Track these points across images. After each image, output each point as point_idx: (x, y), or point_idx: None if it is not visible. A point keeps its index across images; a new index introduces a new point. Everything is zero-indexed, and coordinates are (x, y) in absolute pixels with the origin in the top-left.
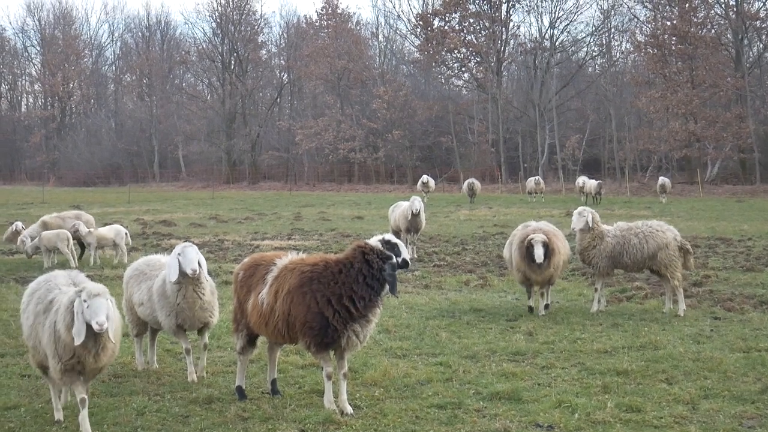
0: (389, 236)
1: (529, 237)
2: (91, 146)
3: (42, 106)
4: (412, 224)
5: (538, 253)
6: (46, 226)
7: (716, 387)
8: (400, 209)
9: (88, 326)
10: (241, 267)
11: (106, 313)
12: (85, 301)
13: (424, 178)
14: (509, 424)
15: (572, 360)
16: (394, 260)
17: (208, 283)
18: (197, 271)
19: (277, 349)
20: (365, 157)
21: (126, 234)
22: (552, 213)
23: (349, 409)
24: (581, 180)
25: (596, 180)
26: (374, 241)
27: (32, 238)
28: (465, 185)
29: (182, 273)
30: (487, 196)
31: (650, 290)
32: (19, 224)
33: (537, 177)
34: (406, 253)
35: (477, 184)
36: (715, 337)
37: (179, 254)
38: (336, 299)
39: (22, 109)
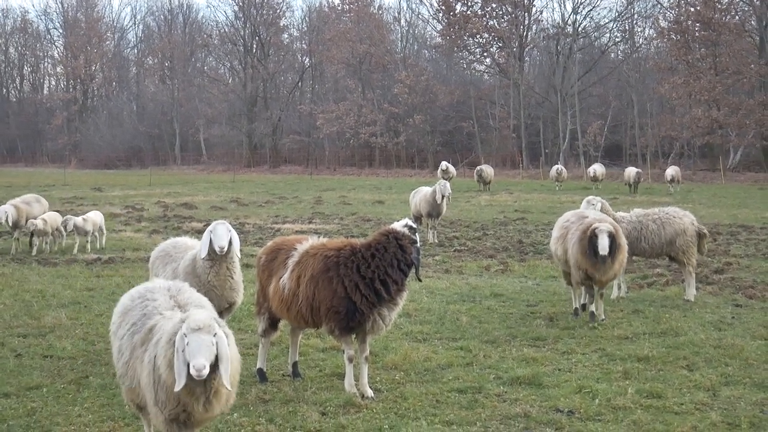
0: (410, 221)
1: (594, 226)
2: (113, 129)
3: (64, 89)
4: (435, 209)
5: (603, 243)
6: (18, 210)
7: (737, 374)
8: (421, 194)
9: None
10: (263, 251)
11: (210, 355)
12: (185, 335)
13: (443, 164)
14: (530, 409)
15: (593, 346)
16: (419, 244)
17: (238, 263)
18: (224, 249)
19: (299, 333)
20: (386, 142)
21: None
22: (573, 199)
23: (369, 393)
24: (593, 169)
25: (635, 168)
26: (400, 226)
27: (13, 218)
28: (474, 173)
29: (212, 250)
30: (508, 182)
31: (671, 277)
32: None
33: (559, 166)
34: (418, 238)
35: (487, 170)
36: (737, 324)
37: (211, 231)
38: (365, 284)
39: (44, 92)
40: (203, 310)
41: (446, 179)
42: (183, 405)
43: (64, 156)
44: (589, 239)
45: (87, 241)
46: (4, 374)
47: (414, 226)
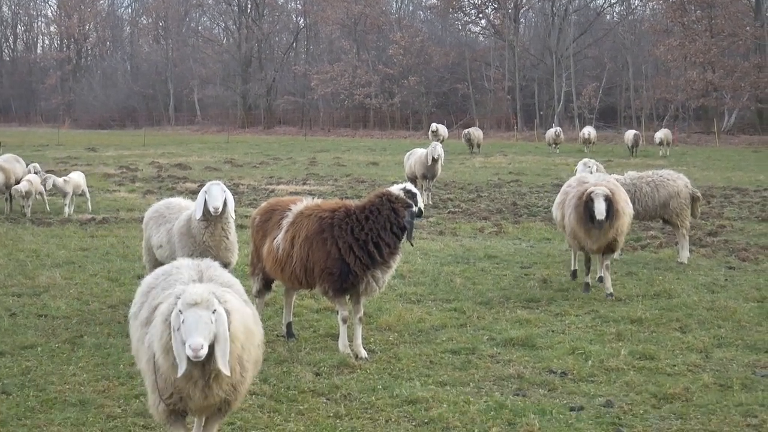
0: (409, 185)
1: (589, 190)
2: (107, 89)
3: (58, 48)
4: (430, 171)
5: (599, 208)
6: (5, 171)
7: (730, 336)
8: (416, 156)
9: None
10: (257, 212)
11: (208, 333)
12: (180, 312)
13: (433, 126)
14: (523, 370)
15: (586, 307)
16: (414, 209)
17: (233, 224)
18: (219, 210)
19: (293, 293)
20: (381, 103)
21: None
22: (567, 162)
23: (363, 353)
24: (587, 130)
25: (633, 131)
26: (396, 189)
27: (1, 182)
28: (462, 136)
29: (206, 210)
30: (503, 144)
31: (665, 239)
32: (36, 165)
33: (557, 128)
34: (421, 203)
35: (475, 133)
36: (730, 286)
37: (206, 191)
38: (359, 246)
39: (38, 51)
40: (201, 284)
41: (436, 141)
42: (180, 391)
43: (57, 116)
44: (585, 204)
45: (66, 204)
46: None
47: (413, 191)
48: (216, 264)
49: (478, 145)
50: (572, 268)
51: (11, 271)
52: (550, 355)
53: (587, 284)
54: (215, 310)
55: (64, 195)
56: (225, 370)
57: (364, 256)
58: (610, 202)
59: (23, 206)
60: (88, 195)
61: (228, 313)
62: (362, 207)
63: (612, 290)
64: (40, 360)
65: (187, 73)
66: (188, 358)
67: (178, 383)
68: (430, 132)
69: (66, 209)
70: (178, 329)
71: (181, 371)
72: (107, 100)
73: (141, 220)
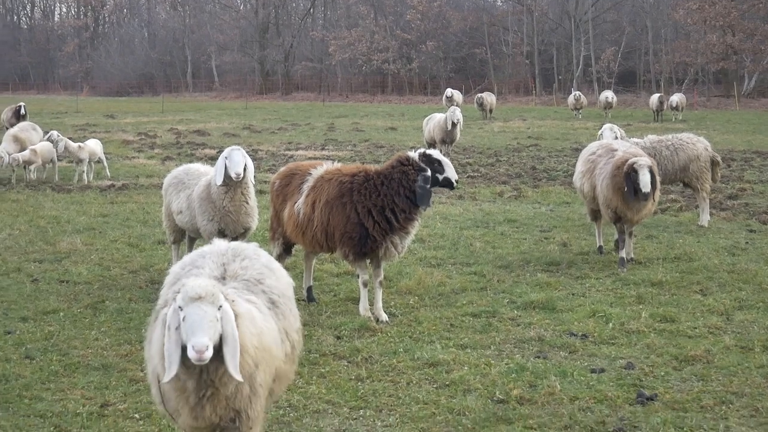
0: (431, 151)
1: (631, 161)
2: (125, 56)
3: (75, 16)
4: (449, 135)
5: (645, 180)
6: (20, 141)
7: (751, 298)
8: (434, 120)
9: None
10: (277, 176)
11: (214, 332)
12: (180, 308)
13: (448, 92)
14: (543, 333)
15: (606, 270)
16: (428, 173)
17: (253, 188)
18: (240, 175)
19: (313, 257)
20: (399, 69)
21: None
22: (586, 126)
23: (384, 317)
24: (610, 94)
25: (657, 95)
26: (414, 153)
27: (9, 154)
28: (475, 101)
29: (227, 176)
30: (521, 108)
31: (685, 203)
32: (55, 133)
33: (577, 93)
34: (452, 173)
35: (488, 98)
36: (750, 249)
37: (226, 157)
38: (377, 211)
39: (56, 19)
40: (203, 279)
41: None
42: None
43: (76, 83)
44: (627, 175)
45: (83, 171)
46: (21, 299)
47: (435, 156)
48: (249, 251)
49: (491, 110)
50: (598, 244)
51: (32, 237)
52: (571, 317)
53: (622, 259)
54: (221, 307)
55: (79, 161)
56: (236, 375)
57: (382, 221)
58: (653, 174)
59: (34, 173)
60: (105, 162)
61: (236, 315)
62: (380, 172)
63: (633, 255)
64: (63, 325)
65: (204, 39)
66: (180, 361)
67: (167, 393)
68: (444, 97)
69: (84, 176)
70: (176, 328)
71: (169, 376)
72: (125, 67)
73: (160, 186)
